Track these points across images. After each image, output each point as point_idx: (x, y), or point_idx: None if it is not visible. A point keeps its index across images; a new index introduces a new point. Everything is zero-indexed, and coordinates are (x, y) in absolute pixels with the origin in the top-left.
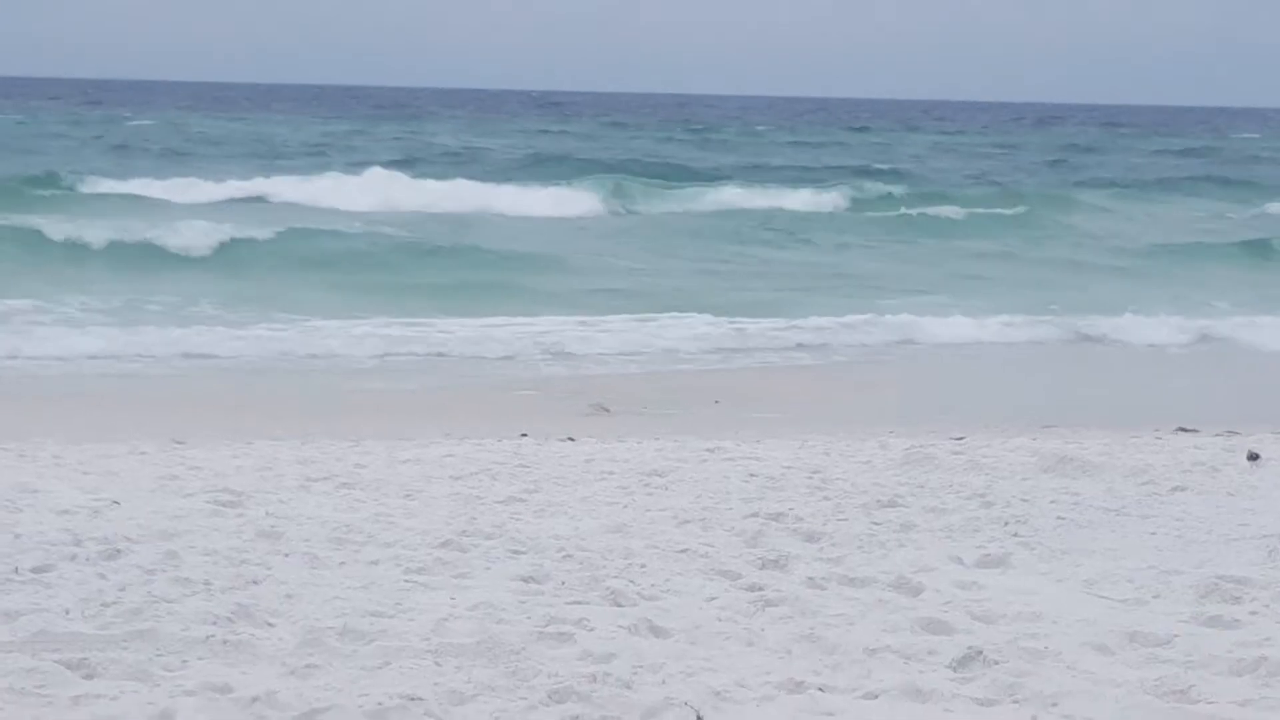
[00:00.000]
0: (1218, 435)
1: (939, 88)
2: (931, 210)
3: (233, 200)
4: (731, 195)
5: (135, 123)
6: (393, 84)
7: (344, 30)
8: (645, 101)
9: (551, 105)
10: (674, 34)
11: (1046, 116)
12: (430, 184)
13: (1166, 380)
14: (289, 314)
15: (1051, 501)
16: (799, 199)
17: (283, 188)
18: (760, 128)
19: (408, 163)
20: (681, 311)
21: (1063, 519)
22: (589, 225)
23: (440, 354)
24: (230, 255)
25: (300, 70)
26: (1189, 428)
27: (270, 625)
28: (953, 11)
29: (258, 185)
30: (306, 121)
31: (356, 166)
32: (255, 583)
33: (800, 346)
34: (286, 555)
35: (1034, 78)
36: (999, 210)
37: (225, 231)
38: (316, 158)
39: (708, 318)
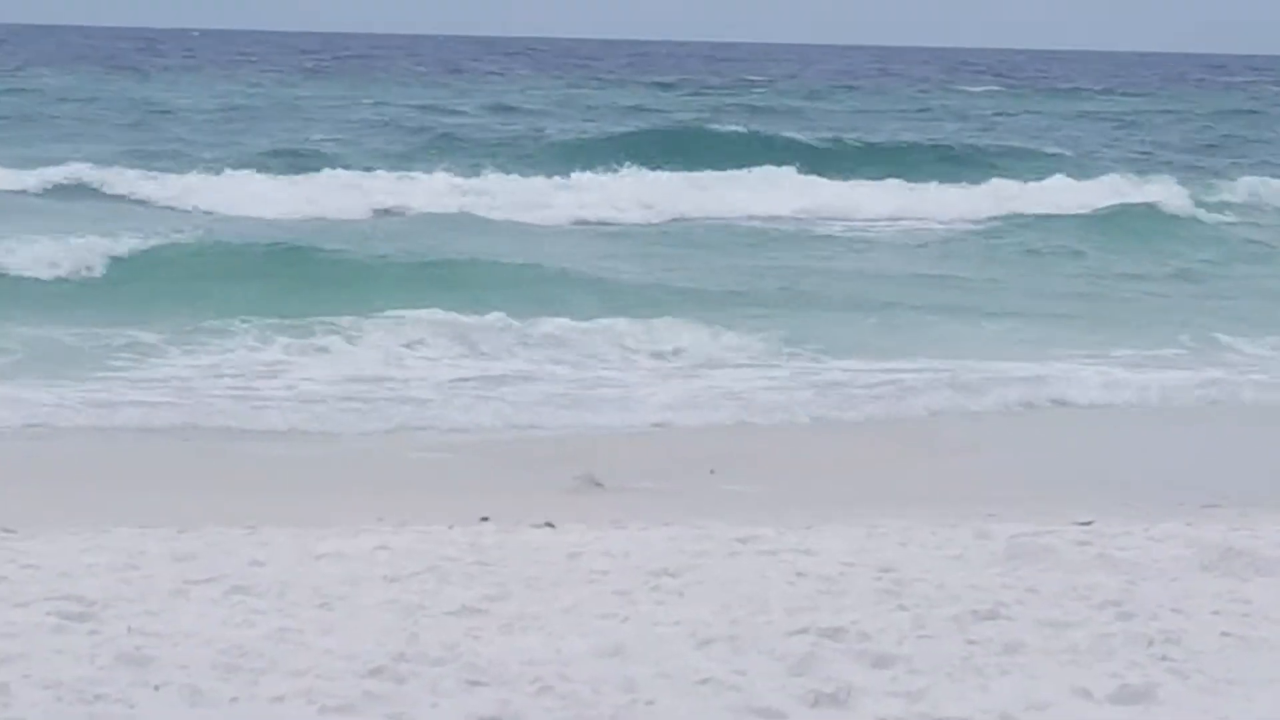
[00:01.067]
0: None
1: (1040, 34)
2: (1089, 210)
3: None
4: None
5: None
6: (312, 29)
7: None
8: (638, 50)
9: (525, 54)
10: None
11: (1202, 70)
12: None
13: None
14: (150, 347)
15: (1214, 612)
16: (886, 197)
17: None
18: (818, 87)
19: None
20: (721, 351)
21: (1229, 636)
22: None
23: (371, 399)
24: (88, 273)
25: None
26: None
27: None
28: None
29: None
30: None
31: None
32: None
33: (875, 398)
34: (156, 688)
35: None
36: (1201, 213)
37: (74, 245)
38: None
39: (753, 352)
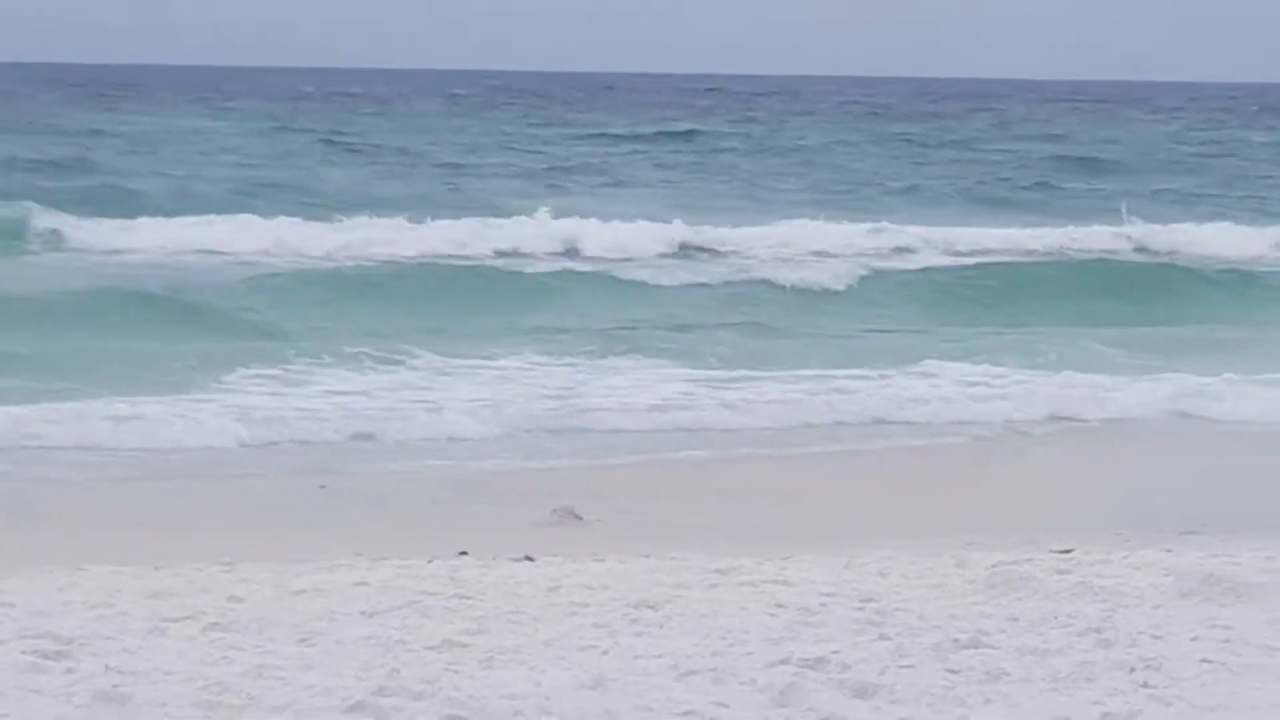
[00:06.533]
0: None
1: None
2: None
3: None
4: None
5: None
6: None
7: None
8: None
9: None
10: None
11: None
12: None
13: None
14: (134, 386)
15: (1194, 639)
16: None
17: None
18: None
19: None
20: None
21: (1209, 662)
22: None
23: (343, 433)
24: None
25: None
26: None
27: None
28: None
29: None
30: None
31: None
32: None
33: (872, 421)
34: None
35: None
36: None
37: None
38: None
39: (745, 380)
